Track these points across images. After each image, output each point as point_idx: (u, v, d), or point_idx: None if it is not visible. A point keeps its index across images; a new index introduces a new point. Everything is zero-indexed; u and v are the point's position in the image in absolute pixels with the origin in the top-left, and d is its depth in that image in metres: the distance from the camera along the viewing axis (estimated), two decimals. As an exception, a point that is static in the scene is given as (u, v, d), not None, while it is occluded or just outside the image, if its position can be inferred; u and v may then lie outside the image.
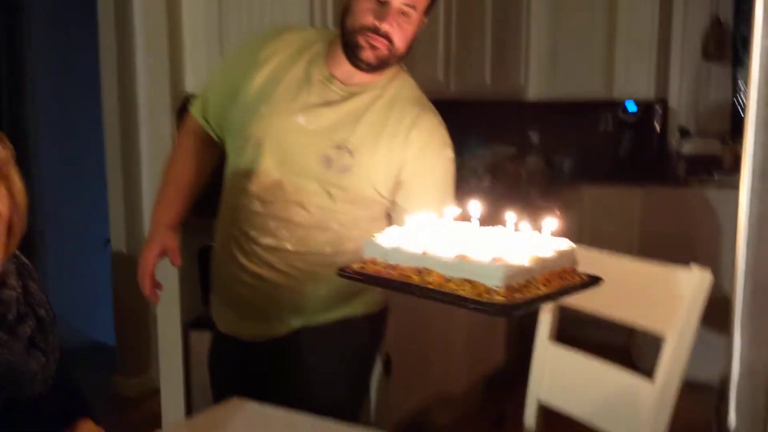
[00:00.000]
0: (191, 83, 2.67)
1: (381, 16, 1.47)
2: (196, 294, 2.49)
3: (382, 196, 1.61)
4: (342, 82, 1.57)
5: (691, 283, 1.34)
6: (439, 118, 1.63)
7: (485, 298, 1.08)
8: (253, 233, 1.61)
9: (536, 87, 4.06)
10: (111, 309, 3.25)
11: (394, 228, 1.30)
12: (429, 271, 1.14)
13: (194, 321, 2.54)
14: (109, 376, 3.21)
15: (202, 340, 2.39)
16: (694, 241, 3.51)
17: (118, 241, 3.13)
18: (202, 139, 1.72)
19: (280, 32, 1.67)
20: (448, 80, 3.33)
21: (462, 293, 1.10)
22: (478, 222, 1.28)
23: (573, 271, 1.23)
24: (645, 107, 4.01)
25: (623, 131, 4.09)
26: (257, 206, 1.59)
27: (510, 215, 1.25)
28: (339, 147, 1.56)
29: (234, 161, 1.65)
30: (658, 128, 4.04)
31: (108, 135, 3.08)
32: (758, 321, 1.22)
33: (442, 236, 1.23)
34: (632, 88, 3.95)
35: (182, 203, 1.71)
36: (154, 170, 2.73)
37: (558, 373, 1.56)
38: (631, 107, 4.03)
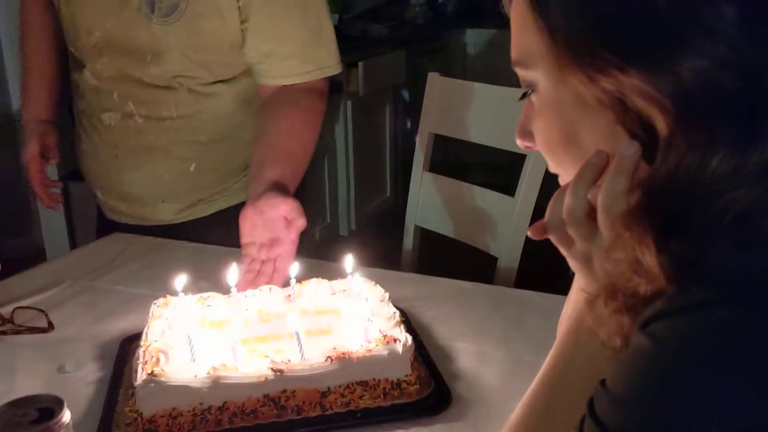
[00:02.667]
0: None
1: None
2: (71, 144, 2.40)
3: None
4: None
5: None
6: None
7: (395, 396, 0.77)
8: (96, 109, 1.36)
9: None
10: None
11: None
12: (291, 393, 0.77)
13: (71, 173, 2.46)
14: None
15: (82, 191, 2.33)
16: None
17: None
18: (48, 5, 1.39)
19: None
20: None
21: (367, 404, 0.78)
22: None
23: None
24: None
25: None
26: (89, 77, 1.33)
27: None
28: None
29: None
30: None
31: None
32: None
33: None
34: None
35: (49, 91, 1.49)
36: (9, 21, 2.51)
37: (430, 199, 1.64)
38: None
